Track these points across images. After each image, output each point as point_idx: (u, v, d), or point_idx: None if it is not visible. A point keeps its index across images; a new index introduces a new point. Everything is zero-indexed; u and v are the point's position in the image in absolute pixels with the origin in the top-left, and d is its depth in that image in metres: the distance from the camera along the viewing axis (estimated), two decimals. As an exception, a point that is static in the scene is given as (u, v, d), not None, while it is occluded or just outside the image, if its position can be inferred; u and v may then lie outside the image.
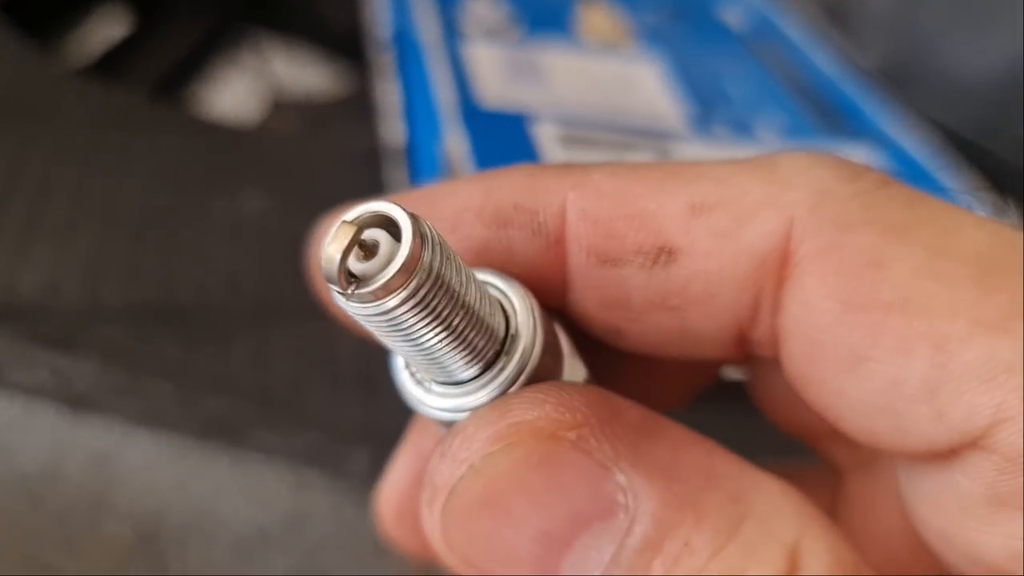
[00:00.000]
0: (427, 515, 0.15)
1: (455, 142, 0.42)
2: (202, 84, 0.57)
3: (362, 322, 0.14)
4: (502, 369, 0.16)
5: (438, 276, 0.14)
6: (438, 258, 0.14)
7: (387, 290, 0.13)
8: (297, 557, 0.36)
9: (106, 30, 0.56)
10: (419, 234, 0.13)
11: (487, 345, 0.15)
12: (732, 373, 0.24)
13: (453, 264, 0.14)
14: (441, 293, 0.14)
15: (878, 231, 0.15)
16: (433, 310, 0.14)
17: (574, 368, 0.18)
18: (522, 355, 0.16)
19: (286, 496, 0.37)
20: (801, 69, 0.57)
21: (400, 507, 0.22)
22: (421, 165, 0.42)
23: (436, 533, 0.15)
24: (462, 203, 0.17)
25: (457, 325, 0.14)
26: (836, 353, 0.15)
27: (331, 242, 0.13)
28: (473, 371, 0.16)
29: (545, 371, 0.16)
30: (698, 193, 0.16)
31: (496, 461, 0.14)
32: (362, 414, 0.37)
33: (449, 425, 0.16)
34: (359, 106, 0.52)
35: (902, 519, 0.18)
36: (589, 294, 0.17)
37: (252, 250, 0.42)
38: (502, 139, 0.44)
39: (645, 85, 0.52)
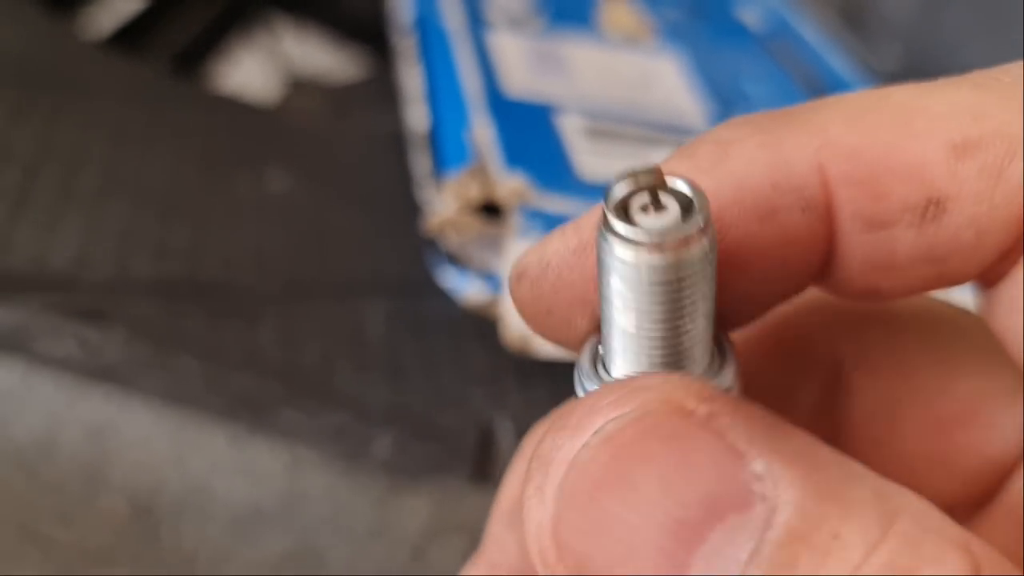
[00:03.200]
0: (535, 506, 0.13)
1: (482, 129, 0.42)
2: (217, 62, 0.57)
3: (613, 270, 0.13)
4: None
5: (710, 259, 0.13)
6: (713, 241, 0.13)
7: (677, 244, 0.13)
8: (292, 536, 0.36)
9: (121, 4, 0.56)
10: (708, 209, 0.13)
11: (693, 353, 0.15)
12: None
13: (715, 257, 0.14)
14: (703, 276, 0.14)
15: None
16: (690, 288, 0.13)
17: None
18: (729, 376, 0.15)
19: (281, 475, 0.37)
20: (816, 70, 0.57)
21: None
22: (448, 151, 0.42)
23: (546, 527, 0.13)
24: (714, 197, 0.15)
25: (694, 316, 0.14)
26: None
27: (631, 176, 0.13)
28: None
29: None
30: (957, 131, 0.15)
31: (624, 428, 0.13)
32: (388, 396, 0.37)
33: None
34: (379, 89, 0.52)
35: None
36: (852, 261, 0.16)
37: (277, 229, 0.42)
38: (528, 128, 0.44)
39: (666, 81, 0.52)
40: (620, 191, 0.13)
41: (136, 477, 0.36)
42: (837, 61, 0.59)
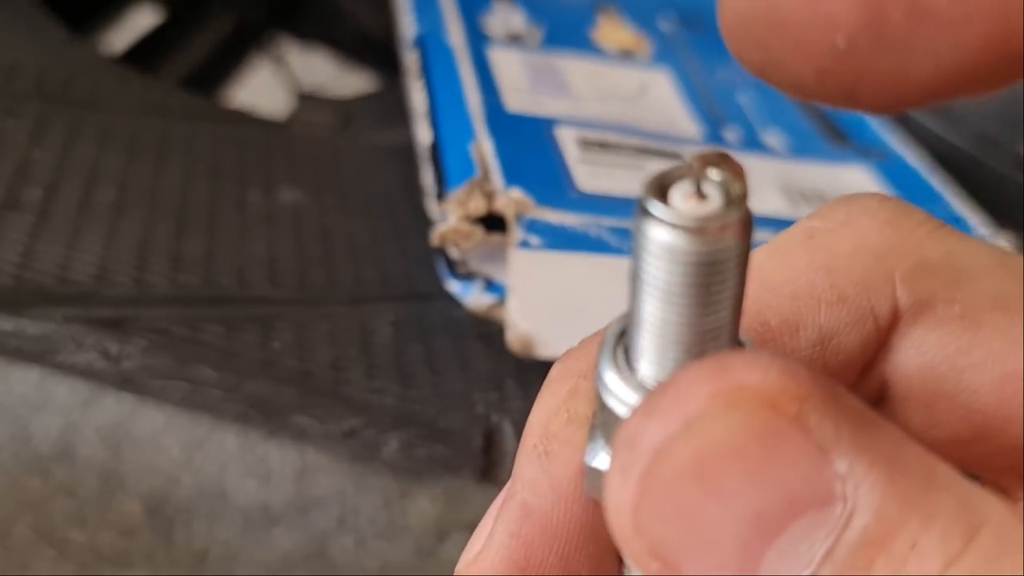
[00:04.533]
0: (618, 486, 0.13)
1: (483, 144, 0.44)
2: (228, 80, 0.58)
3: (653, 256, 0.13)
4: None
5: (749, 246, 0.14)
6: (750, 232, 0.14)
7: (718, 227, 0.13)
8: (301, 536, 0.37)
9: (135, 23, 0.57)
10: (747, 201, 0.13)
11: (719, 345, 0.15)
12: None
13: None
14: (738, 265, 0.14)
15: None
16: (725, 276, 0.14)
17: None
18: None
19: (290, 476, 0.38)
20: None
21: None
22: (452, 164, 0.43)
23: (626, 508, 0.13)
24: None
25: (725, 306, 0.14)
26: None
27: (678, 167, 0.13)
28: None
29: None
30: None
31: (713, 422, 0.12)
32: (396, 399, 0.39)
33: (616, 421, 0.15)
34: (390, 102, 0.53)
35: None
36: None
37: (288, 239, 0.44)
38: (526, 142, 0.46)
39: (660, 93, 0.54)
40: (662, 177, 0.13)
41: (149, 479, 0.36)
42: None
